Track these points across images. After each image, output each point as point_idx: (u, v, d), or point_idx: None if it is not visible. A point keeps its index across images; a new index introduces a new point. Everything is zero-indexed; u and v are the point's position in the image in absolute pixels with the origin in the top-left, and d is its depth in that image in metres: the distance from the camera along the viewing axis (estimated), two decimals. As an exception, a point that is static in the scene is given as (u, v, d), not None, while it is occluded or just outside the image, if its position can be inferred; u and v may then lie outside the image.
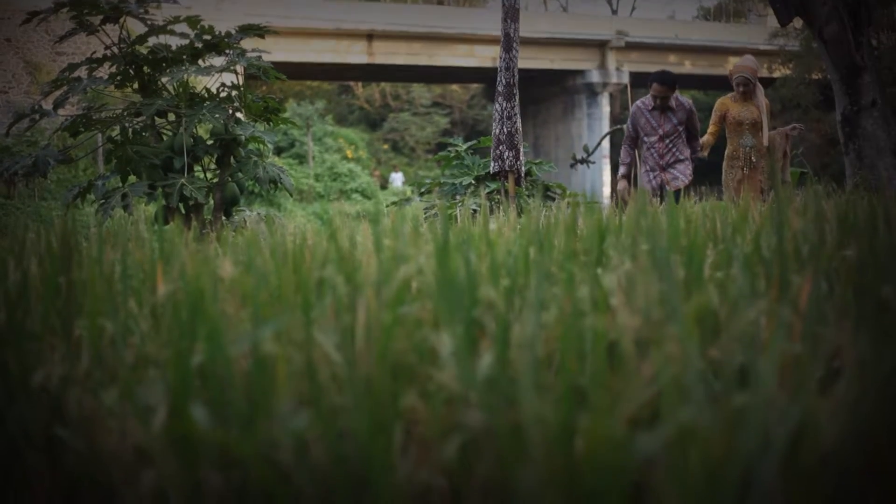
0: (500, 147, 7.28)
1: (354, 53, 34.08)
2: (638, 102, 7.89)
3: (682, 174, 7.65)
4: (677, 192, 7.48)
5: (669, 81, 7.62)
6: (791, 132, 8.18)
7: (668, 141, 7.62)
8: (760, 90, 7.98)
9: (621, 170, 7.97)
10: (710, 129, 8.04)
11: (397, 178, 38.53)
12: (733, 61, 37.17)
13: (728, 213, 2.31)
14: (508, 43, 7.28)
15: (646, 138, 7.72)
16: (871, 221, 1.60)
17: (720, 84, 8.62)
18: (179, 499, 0.94)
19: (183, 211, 5.34)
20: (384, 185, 37.97)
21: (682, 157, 7.68)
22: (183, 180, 5.08)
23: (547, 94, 38.81)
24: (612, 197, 7.76)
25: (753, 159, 7.81)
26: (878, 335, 0.90)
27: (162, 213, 5.06)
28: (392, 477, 0.88)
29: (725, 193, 7.85)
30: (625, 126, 8.08)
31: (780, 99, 29.27)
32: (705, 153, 7.91)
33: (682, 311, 0.96)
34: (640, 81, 9.27)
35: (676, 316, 0.94)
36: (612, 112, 38.81)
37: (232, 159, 5.52)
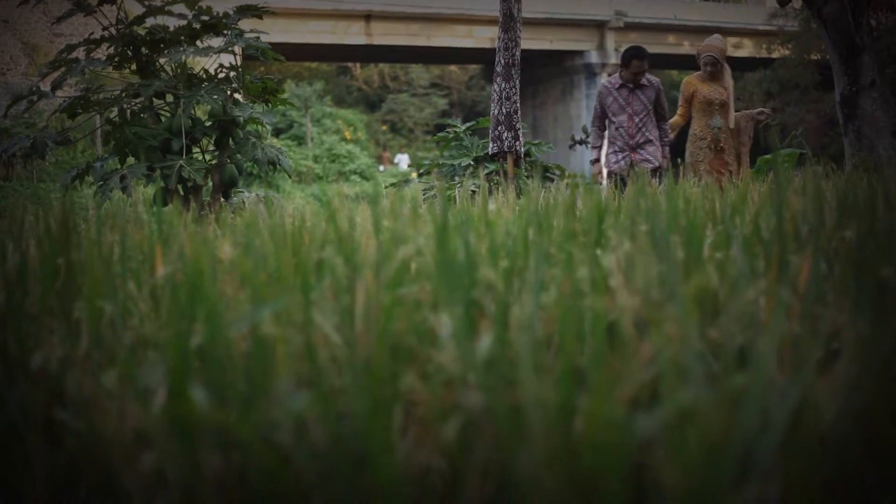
0: (499, 128, 7.29)
1: (353, 34, 33.99)
2: (604, 82, 7.72)
3: (653, 156, 7.50)
4: (654, 172, 7.41)
5: (647, 56, 7.52)
6: (758, 116, 8.10)
7: (637, 120, 7.47)
8: (728, 71, 7.88)
9: (592, 153, 7.81)
10: (679, 110, 7.87)
11: (403, 160, 38.43)
12: (732, 42, 36.76)
13: (727, 194, 2.31)
14: (508, 23, 7.26)
15: (614, 118, 7.51)
16: (870, 202, 1.60)
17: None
18: (179, 480, 0.94)
19: (181, 192, 5.34)
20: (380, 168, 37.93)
21: (651, 138, 7.53)
22: (181, 162, 5.07)
23: (545, 74, 38.72)
24: (609, 178, 7.67)
25: (721, 140, 7.74)
26: (877, 316, 0.90)
27: (160, 194, 5.04)
28: (392, 458, 0.88)
29: (693, 173, 7.73)
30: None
31: (778, 79, 29.26)
32: (672, 135, 7.80)
33: (682, 291, 0.96)
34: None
35: (676, 296, 0.94)
36: (610, 93, 38.59)
37: (230, 141, 5.51)
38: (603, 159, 7.76)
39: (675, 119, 7.86)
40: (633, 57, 7.43)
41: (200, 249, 1.26)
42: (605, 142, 7.72)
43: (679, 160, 7.85)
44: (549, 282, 1.19)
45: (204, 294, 1.05)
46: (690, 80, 7.88)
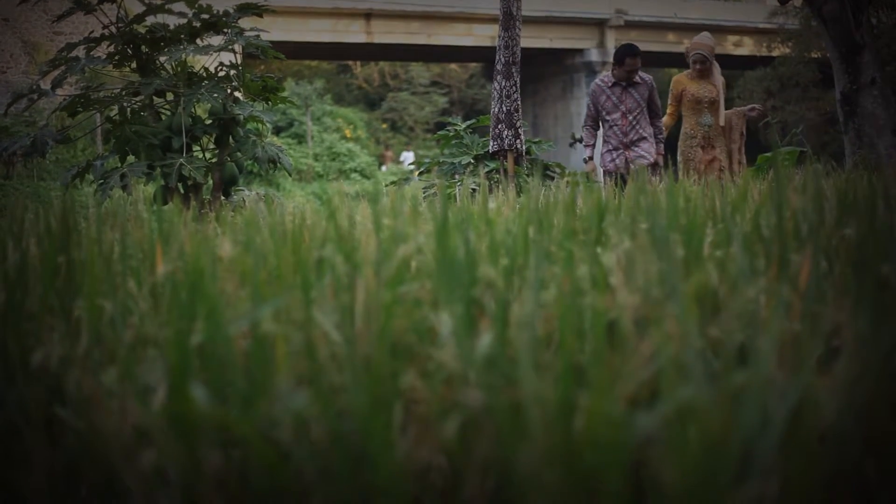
0: (500, 126, 7.28)
1: (353, 33, 33.96)
2: (597, 80, 7.70)
3: (647, 153, 7.47)
4: (653, 169, 7.40)
5: (640, 53, 7.49)
6: (749, 113, 8.07)
7: (631, 117, 7.43)
8: (717, 68, 7.84)
9: (586, 151, 7.79)
10: (669, 109, 7.84)
11: (409, 157, 38.35)
12: (732, 40, 36.58)
13: (727, 192, 2.31)
14: (508, 21, 7.26)
15: (607, 117, 7.51)
16: (870, 200, 1.60)
17: (719, 63, 8.55)
18: (179, 478, 0.94)
19: (182, 191, 5.34)
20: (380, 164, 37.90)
21: (645, 135, 7.50)
22: (182, 160, 5.07)
23: (546, 72, 38.68)
24: (609, 176, 7.64)
25: (711, 138, 7.72)
26: (877, 314, 0.90)
27: (161, 193, 5.05)
28: (392, 455, 0.88)
29: (685, 172, 7.69)
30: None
31: (778, 77, 29.23)
32: (665, 135, 7.76)
33: (682, 289, 0.96)
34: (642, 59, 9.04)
35: (676, 294, 0.94)
36: (611, 91, 38.53)
37: (230, 139, 5.51)
38: (597, 158, 7.75)
39: (665, 119, 7.83)
40: (626, 55, 7.41)
41: (200, 248, 1.26)
42: (600, 140, 7.71)
43: (679, 158, 7.84)
44: (550, 280, 1.19)
45: (204, 292, 1.06)
46: (680, 79, 7.86)
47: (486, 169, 7.37)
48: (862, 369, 0.85)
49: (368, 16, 33.81)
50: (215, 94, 5.19)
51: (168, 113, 5.44)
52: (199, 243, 1.42)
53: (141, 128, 5.17)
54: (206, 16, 5.30)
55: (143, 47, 5.39)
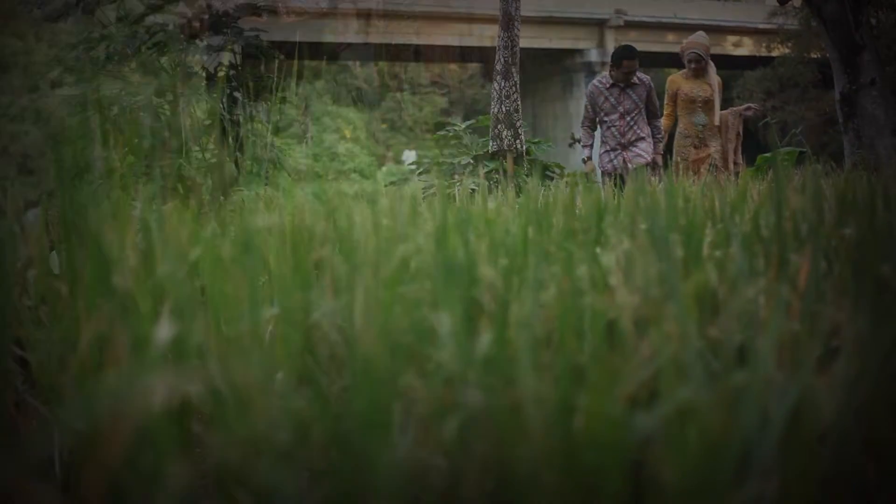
0: (499, 126, 7.29)
1: (353, 33, 33.96)
2: (595, 81, 7.66)
3: (645, 152, 7.44)
4: (652, 169, 7.39)
5: (638, 55, 7.47)
6: (745, 112, 8.07)
7: (629, 118, 7.40)
8: (712, 67, 7.82)
9: (584, 152, 7.77)
10: (666, 110, 7.82)
11: (411, 156, 38.35)
12: (732, 40, 36.58)
13: (727, 192, 2.31)
14: (507, 22, 7.27)
15: (605, 118, 7.47)
16: (869, 200, 1.60)
17: (719, 63, 8.54)
18: (179, 479, 0.94)
19: (181, 191, 5.34)
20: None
21: (643, 135, 7.47)
22: (181, 160, 5.07)
23: (545, 72, 38.66)
24: (608, 177, 7.62)
25: (705, 137, 7.71)
26: (876, 314, 0.90)
27: (160, 192, 5.05)
28: (391, 456, 0.88)
29: (681, 171, 7.67)
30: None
31: (778, 78, 29.22)
32: (664, 137, 7.74)
33: (681, 289, 0.96)
34: (640, 61, 8.99)
35: (675, 295, 0.94)
36: (610, 91, 38.45)
37: (230, 139, 5.51)
38: (595, 158, 7.74)
39: (663, 121, 7.80)
40: (623, 56, 7.38)
41: (200, 248, 1.26)
42: (598, 141, 7.69)
43: (675, 157, 7.83)
44: (549, 280, 1.19)
45: (203, 292, 1.06)
46: (675, 79, 7.83)
47: (486, 169, 7.37)
48: (862, 369, 0.85)
49: (368, 15, 33.81)
50: (215, 95, 5.20)
51: (167, 113, 5.44)
52: (198, 243, 1.42)
53: (140, 128, 5.17)
54: (206, 16, 5.30)
55: (142, 47, 5.39)
